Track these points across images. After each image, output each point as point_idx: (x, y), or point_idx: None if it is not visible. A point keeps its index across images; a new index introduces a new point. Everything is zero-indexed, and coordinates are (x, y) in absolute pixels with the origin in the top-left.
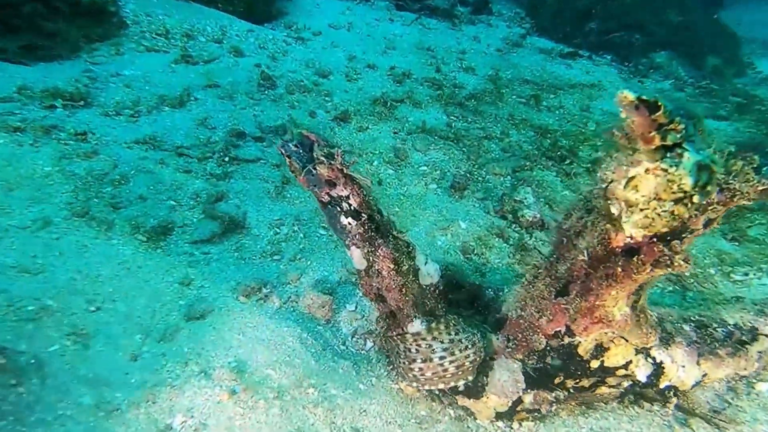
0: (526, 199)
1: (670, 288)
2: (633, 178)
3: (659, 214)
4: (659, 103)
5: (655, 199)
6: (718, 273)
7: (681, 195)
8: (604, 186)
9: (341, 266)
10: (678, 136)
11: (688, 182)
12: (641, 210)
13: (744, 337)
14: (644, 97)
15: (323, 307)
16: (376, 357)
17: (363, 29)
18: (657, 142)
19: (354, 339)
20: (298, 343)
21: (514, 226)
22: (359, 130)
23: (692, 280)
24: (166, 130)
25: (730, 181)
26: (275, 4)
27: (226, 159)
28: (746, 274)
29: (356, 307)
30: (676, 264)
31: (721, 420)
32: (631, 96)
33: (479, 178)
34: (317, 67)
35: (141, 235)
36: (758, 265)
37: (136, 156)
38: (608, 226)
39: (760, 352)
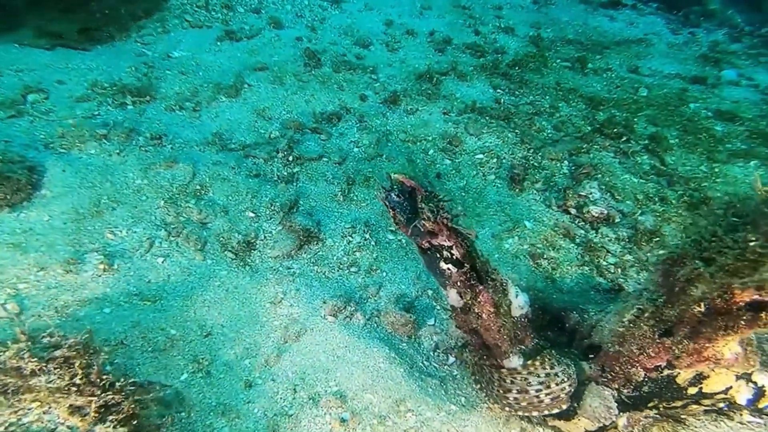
0: (591, 194)
1: None
2: None
3: None
4: None
5: None
6: None
7: None
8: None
9: (415, 277)
10: None
11: None
12: None
13: None
14: None
15: (406, 326)
16: (459, 373)
17: None
18: None
19: (436, 353)
20: (387, 363)
21: (578, 221)
22: (409, 113)
23: None
24: (228, 125)
25: None
26: None
27: (290, 159)
28: None
29: (435, 321)
30: None
31: None
32: None
33: (535, 164)
34: (357, 37)
35: (229, 252)
36: None
37: (209, 161)
38: (732, 282)
39: None
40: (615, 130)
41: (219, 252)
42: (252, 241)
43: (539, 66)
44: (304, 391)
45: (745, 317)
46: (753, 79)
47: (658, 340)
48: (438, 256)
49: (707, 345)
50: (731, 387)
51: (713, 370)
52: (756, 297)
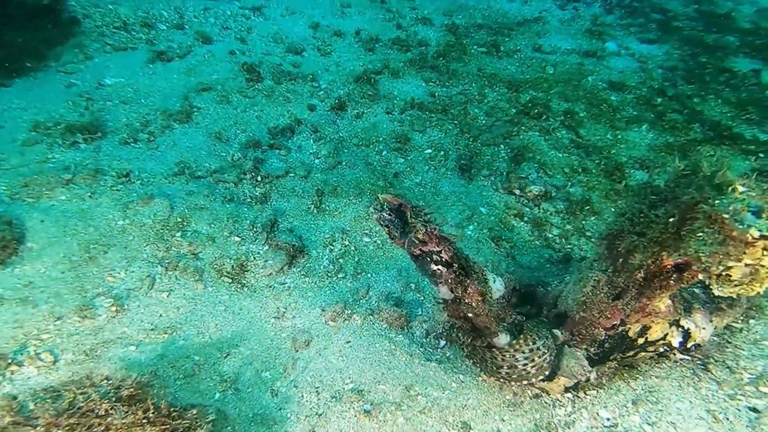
0: (530, 175)
1: None
2: (732, 267)
3: (749, 288)
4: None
5: (749, 281)
6: None
7: None
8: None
9: (397, 273)
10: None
11: None
12: (733, 286)
13: None
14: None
15: (399, 319)
16: (452, 354)
17: None
18: (758, 249)
19: (428, 339)
20: (390, 355)
21: (523, 200)
22: (357, 117)
23: None
24: (189, 152)
25: None
26: None
27: (259, 179)
28: None
29: (421, 311)
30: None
31: (727, 357)
32: (755, 233)
33: (478, 152)
34: (287, 43)
35: (226, 277)
36: None
37: (183, 192)
38: (662, 251)
39: (747, 298)
40: (536, 110)
41: (216, 279)
42: (244, 263)
43: (460, 54)
44: (326, 391)
45: (673, 277)
46: (629, 48)
47: (612, 304)
48: (429, 259)
49: (648, 302)
50: (667, 333)
51: (653, 322)
52: (679, 260)
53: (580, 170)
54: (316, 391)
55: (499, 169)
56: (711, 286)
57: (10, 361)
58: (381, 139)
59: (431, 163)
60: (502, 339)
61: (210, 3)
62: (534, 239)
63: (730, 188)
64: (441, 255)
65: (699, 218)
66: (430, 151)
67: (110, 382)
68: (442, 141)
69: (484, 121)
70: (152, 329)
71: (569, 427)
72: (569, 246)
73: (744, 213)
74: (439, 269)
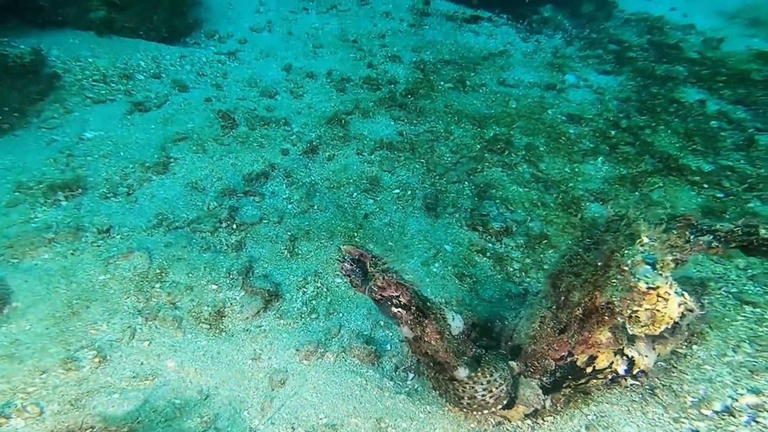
0: (490, 212)
1: None
2: (636, 311)
3: (653, 329)
4: (660, 285)
5: (651, 323)
6: None
7: (668, 320)
8: (614, 309)
9: (367, 312)
10: (665, 291)
11: (673, 315)
12: (641, 326)
13: None
14: (652, 285)
15: (369, 355)
16: (420, 386)
17: (283, 27)
18: (654, 296)
19: (398, 372)
20: (361, 390)
21: (486, 236)
22: (328, 159)
23: None
24: (167, 204)
25: (675, 253)
26: (190, 14)
27: (234, 227)
28: None
29: (390, 347)
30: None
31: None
32: (642, 286)
33: (443, 190)
34: (261, 87)
35: (204, 323)
36: None
37: (161, 244)
38: (596, 292)
39: (688, 324)
40: (498, 145)
41: (195, 326)
42: (221, 310)
43: (428, 91)
44: (301, 427)
45: (606, 314)
46: (587, 79)
47: (558, 337)
48: (389, 303)
49: (590, 335)
50: (613, 362)
51: (599, 352)
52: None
53: (539, 204)
54: (292, 428)
55: (464, 206)
56: (626, 326)
57: None
58: (351, 180)
59: (399, 203)
60: (462, 372)
61: (186, 50)
62: (496, 273)
63: (638, 240)
64: (399, 299)
65: (613, 266)
66: (398, 191)
67: (94, 430)
68: (410, 180)
69: (449, 158)
70: (134, 377)
71: None
72: (528, 279)
73: (639, 266)
74: (399, 312)
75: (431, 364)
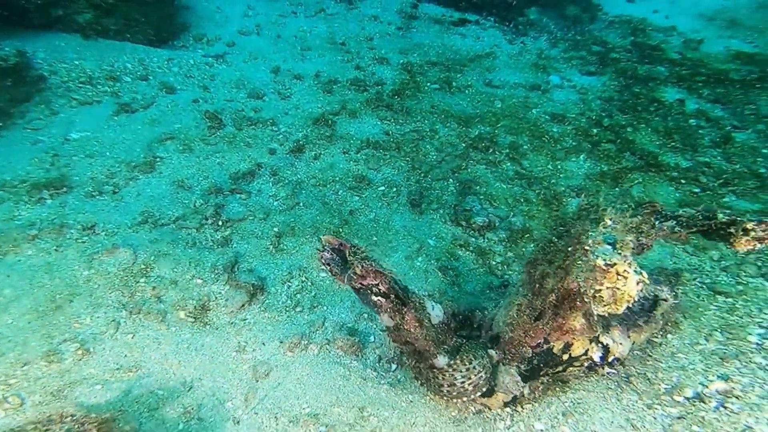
0: (474, 207)
1: None
2: (599, 290)
3: (616, 308)
4: (617, 261)
5: (613, 302)
6: None
7: (628, 299)
8: (578, 288)
9: (351, 305)
10: (623, 269)
11: (632, 293)
12: (604, 306)
13: (651, 305)
14: (609, 262)
15: (353, 346)
16: (402, 376)
17: (272, 30)
18: (613, 274)
19: (381, 363)
20: (344, 380)
21: (469, 231)
22: (315, 158)
23: None
24: (153, 202)
25: (641, 239)
26: (178, 17)
27: (220, 223)
28: None
29: (374, 339)
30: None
31: (647, 370)
32: (600, 263)
33: (428, 187)
34: (249, 89)
35: (189, 317)
36: None
37: (146, 240)
38: (567, 277)
39: (662, 314)
40: (483, 144)
41: (179, 319)
42: (206, 303)
43: (414, 92)
44: (284, 416)
45: (578, 299)
46: (571, 80)
47: (534, 324)
48: (369, 292)
49: (564, 322)
50: (588, 349)
51: (574, 339)
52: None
53: (522, 200)
54: (275, 417)
55: (448, 203)
56: (593, 307)
57: None
58: (337, 178)
59: (384, 199)
60: (441, 360)
61: (173, 53)
62: (478, 267)
63: (601, 223)
64: (379, 287)
65: (579, 249)
66: (383, 188)
67: (75, 418)
68: (395, 178)
69: (435, 157)
70: (118, 369)
71: None
72: (510, 272)
73: (599, 245)
74: (378, 300)
75: (412, 353)
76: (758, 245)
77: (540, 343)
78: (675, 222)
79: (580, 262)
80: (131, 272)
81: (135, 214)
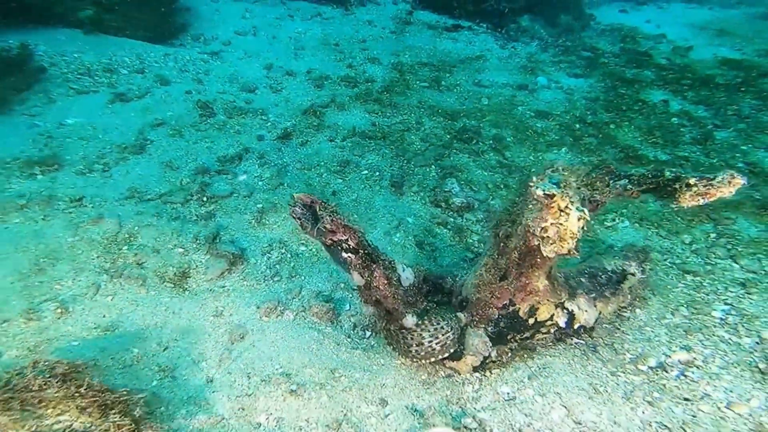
0: (453, 188)
1: None
2: (544, 227)
3: (561, 246)
4: (555, 193)
5: (558, 239)
6: (596, 222)
7: (570, 236)
8: (526, 226)
9: (328, 276)
10: (564, 204)
11: (573, 229)
12: (551, 244)
13: (618, 278)
14: (547, 191)
15: (328, 313)
16: (376, 343)
17: (268, 31)
18: (555, 209)
19: (355, 331)
20: (318, 344)
21: (448, 212)
22: (301, 144)
23: None
24: (141, 180)
25: (595, 195)
26: (177, 18)
27: (204, 199)
28: (614, 220)
29: (350, 307)
30: (572, 252)
31: (614, 341)
32: (540, 192)
33: (410, 172)
34: (241, 83)
35: (168, 282)
36: (620, 210)
37: (132, 212)
38: (528, 237)
39: (629, 287)
40: (467, 135)
41: (159, 284)
42: (186, 271)
43: (404, 89)
44: (257, 375)
45: (538, 256)
46: (559, 82)
47: (499, 284)
48: (339, 248)
49: (527, 281)
50: (554, 314)
51: (539, 303)
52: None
53: (502, 186)
54: (248, 376)
55: (429, 186)
56: (541, 249)
57: None
58: (322, 163)
59: (367, 182)
60: (410, 320)
61: (170, 49)
62: (455, 244)
63: (548, 168)
64: (348, 243)
65: (527, 192)
66: (366, 172)
67: (46, 363)
68: (379, 163)
69: (419, 146)
70: (95, 327)
71: (476, 402)
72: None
73: (542, 181)
74: (348, 256)
75: (383, 315)
76: (701, 200)
77: (506, 304)
78: (627, 180)
79: (530, 206)
80: (115, 240)
81: (122, 190)
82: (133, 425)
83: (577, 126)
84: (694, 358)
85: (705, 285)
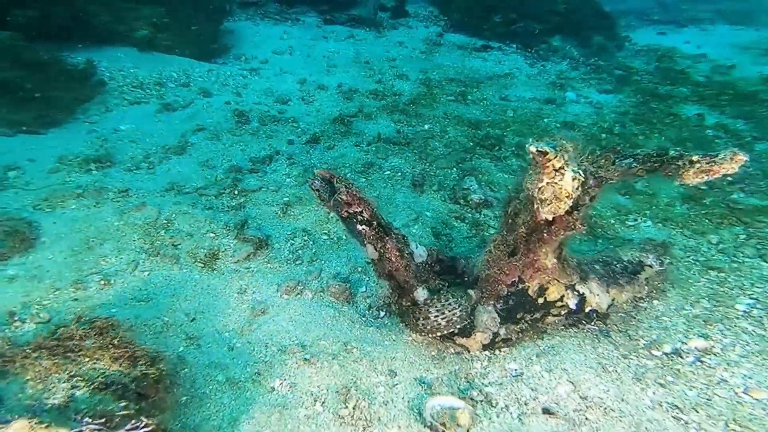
0: (471, 186)
1: (586, 238)
2: (541, 188)
3: (557, 206)
4: (547, 150)
5: (554, 199)
6: (617, 221)
7: (566, 194)
8: (527, 192)
9: (347, 261)
10: (559, 164)
11: (568, 188)
12: (547, 204)
13: (635, 269)
14: (541, 148)
15: (344, 293)
16: (389, 322)
17: (303, 51)
18: (550, 169)
19: (370, 311)
20: (334, 320)
21: (466, 208)
22: (328, 148)
23: (600, 230)
24: (180, 176)
25: (600, 172)
26: (221, 40)
27: (236, 192)
28: (635, 220)
29: (366, 289)
30: (576, 227)
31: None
32: (533, 148)
33: (432, 174)
34: (276, 95)
35: (199, 262)
36: (643, 211)
37: (171, 202)
38: (534, 209)
39: (646, 278)
40: (490, 142)
41: (191, 263)
42: (216, 252)
43: (430, 102)
44: (274, 345)
45: (545, 230)
46: (588, 97)
47: (508, 261)
48: (355, 221)
49: (536, 258)
50: (564, 295)
51: (548, 282)
52: (547, 217)
53: None
54: (266, 346)
55: (448, 186)
56: (540, 211)
57: (16, 318)
58: (347, 164)
59: (389, 182)
60: (420, 293)
61: (214, 66)
62: (472, 236)
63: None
64: (363, 214)
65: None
66: (389, 172)
67: (87, 319)
68: (402, 166)
69: (442, 151)
70: (132, 298)
71: (484, 377)
72: None
73: (538, 142)
74: (363, 229)
75: (395, 289)
76: (705, 177)
77: (515, 281)
78: (632, 159)
79: (531, 171)
80: (154, 225)
81: (164, 184)
82: (159, 375)
83: (604, 136)
84: (712, 346)
85: (729, 281)
